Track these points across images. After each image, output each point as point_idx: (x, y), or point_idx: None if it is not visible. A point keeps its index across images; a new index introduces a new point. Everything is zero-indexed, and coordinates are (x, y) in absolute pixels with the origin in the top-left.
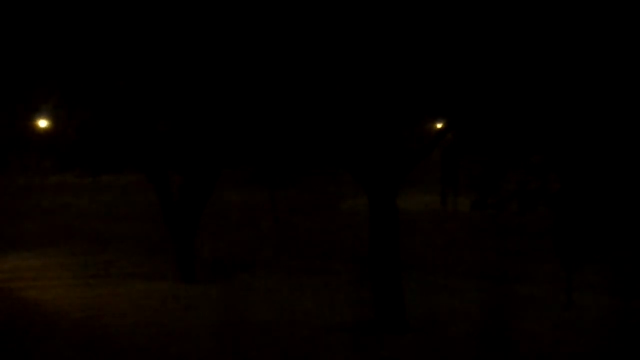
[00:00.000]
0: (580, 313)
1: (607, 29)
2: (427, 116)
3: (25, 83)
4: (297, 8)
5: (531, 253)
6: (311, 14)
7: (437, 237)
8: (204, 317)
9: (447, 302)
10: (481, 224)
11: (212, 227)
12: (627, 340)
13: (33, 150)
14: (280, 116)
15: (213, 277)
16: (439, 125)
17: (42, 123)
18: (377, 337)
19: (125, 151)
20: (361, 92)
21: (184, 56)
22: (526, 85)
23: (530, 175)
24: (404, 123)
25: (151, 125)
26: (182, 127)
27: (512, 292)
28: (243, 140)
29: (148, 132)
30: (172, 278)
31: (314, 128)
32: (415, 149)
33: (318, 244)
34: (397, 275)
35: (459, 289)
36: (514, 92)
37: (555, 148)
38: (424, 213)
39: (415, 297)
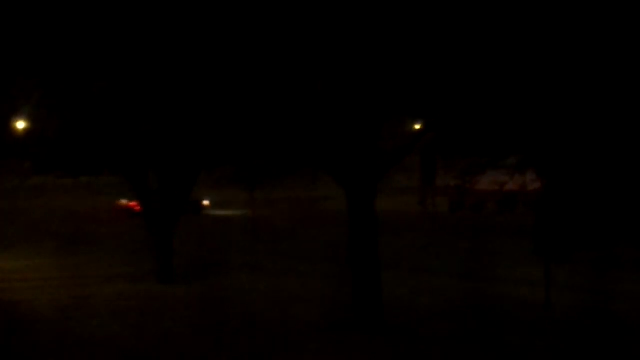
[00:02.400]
0: (558, 312)
1: (585, 32)
2: (405, 117)
3: (4, 84)
4: (277, 11)
5: (511, 253)
6: (292, 17)
7: (416, 238)
8: (181, 317)
9: (425, 301)
10: (460, 224)
11: (191, 229)
12: (603, 339)
13: (12, 152)
14: (260, 117)
15: (191, 278)
16: (418, 127)
17: (21, 124)
18: (355, 336)
19: (105, 152)
20: (340, 93)
21: (164, 58)
22: (505, 87)
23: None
24: (383, 124)
25: (130, 127)
26: (161, 128)
27: (491, 292)
28: (222, 141)
29: (127, 133)
30: (151, 279)
31: (293, 129)
32: (394, 149)
33: (297, 245)
34: (376, 275)
35: (437, 288)
36: (493, 94)
37: (534, 149)
38: (403, 213)
39: (394, 297)
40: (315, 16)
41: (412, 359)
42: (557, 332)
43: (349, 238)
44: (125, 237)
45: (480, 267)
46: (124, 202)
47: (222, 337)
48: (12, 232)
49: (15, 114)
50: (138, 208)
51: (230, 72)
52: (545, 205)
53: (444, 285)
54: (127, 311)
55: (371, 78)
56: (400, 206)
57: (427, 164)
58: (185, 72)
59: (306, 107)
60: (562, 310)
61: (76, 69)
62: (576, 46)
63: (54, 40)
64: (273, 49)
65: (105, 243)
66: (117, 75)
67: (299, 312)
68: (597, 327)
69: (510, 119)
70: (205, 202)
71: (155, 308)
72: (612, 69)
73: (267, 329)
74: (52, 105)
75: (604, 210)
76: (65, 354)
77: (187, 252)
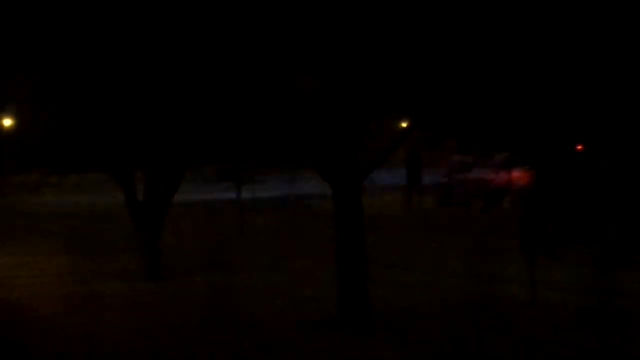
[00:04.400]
0: (544, 311)
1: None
2: (392, 114)
3: None
4: (262, 7)
5: (497, 251)
6: (277, 14)
7: (402, 235)
8: (166, 315)
9: (412, 299)
10: (446, 221)
11: (178, 226)
12: (589, 337)
13: None
14: (246, 113)
15: (178, 276)
16: (404, 124)
17: (7, 122)
18: (342, 335)
19: (91, 150)
20: (327, 90)
21: (150, 56)
22: (493, 83)
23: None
24: (369, 121)
25: (117, 124)
26: (147, 125)
27: (477, 290)
28: (208, 137)
29: (114, 130)
30: (138, 277)
31: (279, 125)
32: (380, 146)
33: (285, 242)
34: (362, 273)
35: (424, 286)
36: (481, 90)
37: (522, 146)
38: (390, 211)
39: (381, 295)
40: (301, 13)
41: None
42: (542, 331)
43: (336, 235)
44: (114, 235)
45: (468, 264)
46: None
47: (205, 336)
48: (1, 230)
49: (1, 111)
50: None
51: (216, 69)
52: (532, 201)
53: (431, 283)
54: (109, 308)
55: (358, 75)
56: (387, 204)
57: (413, 162)
58: (171, 69)
59: (292, 103)
60: (547, 308)
61: (63, 66)
62: (563, 41)
63: (41, 36)
64: (259, 46)
65: (95, 240)
66: (103, 73)
67: (286, 311)
68: (582, 325)
69: (498, 115)
70: None
71: (138, 305)
72: (599, 64)
73: (254, 328)
74: (38, 103)
75: (592, 206)
76: (55, 351)
77: (174, 250)
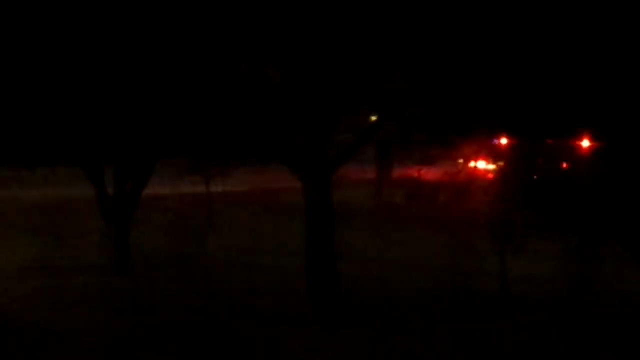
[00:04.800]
0: (515, 303)
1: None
2: (362, 108)
3: None
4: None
5: (467, 244)
6: (246, 6)
7: (372, 229)
8: (136, 309)
9: (382, 292)
10: (415, 215)
11: (148, 219)
12: (559, 330)
13: None
14: (215, 107)
15: (147, 269)
16: (374, 118)
17: None
18: (312, 329)
19: (60, 143)
20: (296, 83)
21: (117, 49)
22: (461, 77)
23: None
24: (339, 115)
25: (85, 117)
26: (115, 118)
27: (446, 284)
28: (177, 130)
29: (82, 124)
30: (108, 271)
31: (248, 118)
32: (350, 140)
33: (255, 237)
34: (333, 267)
35: (395, 280)
36: (449, 83)
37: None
38: (360, 205)
39: (351, 288)
40: (270, 5)
41: (371, 351)
42: (513, 322)
43: (305, 230)
44: (84, 229)
45: (437, 258)
46: None
47: (172, 330)
48: None
49: None
50: None
51: (184, 61)
52: (500, 196)
53: (400, 276)
54: (76, 302)
55: (327, 68)
56: (357, 198)
57: (383, 156)
58: (139, 63)
59: (261, 96)
60: (519, 301)
61: (30, 59)
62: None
63: (8, 29)
64: (228, 38)
65: (64, 234)
66: (72, 67)
67: (255, 305)
68: (552, 317)
69: (465, 109)
70: None
71: (105, 298)
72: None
73: (222, 322)
74: (6, 96)
75: (562, 199)
76: (20, 344)
77: (143, 244)
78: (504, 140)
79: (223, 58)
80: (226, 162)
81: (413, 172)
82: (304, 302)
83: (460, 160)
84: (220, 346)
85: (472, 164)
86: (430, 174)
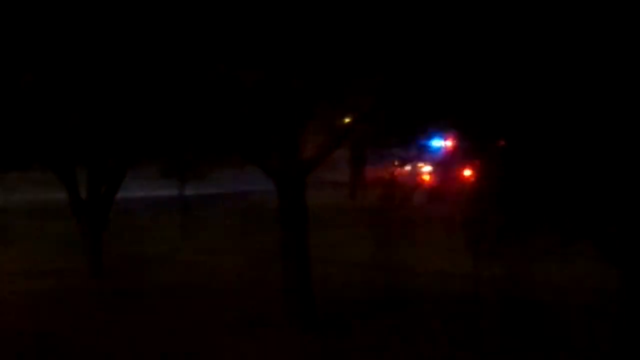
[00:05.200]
0: (484, 306)
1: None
2: (335, 110)
3: None
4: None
5: (441, 246)
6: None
7: (347, 231)
8: (110, 312)
9: (356, 295)
10: (389, 217)
11: (121, 223)
12: (527, 333)
13: None
14: (187, 111)
15: (121, 273)
16: (347, 120)
17: None
18: (285, 331)
19: (33, 147)
20: (267, 86)
21: (91, 51)
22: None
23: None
24: (312, 116)
25: (58, 121)
26: (88, 121)
27: (421, 285)
28: (150, 133)
29: (55, 127)
30: (82, 274)
31: (221, 121)
32: (324, 142)
33: (228, 238)
34: (305, 269)
35: (368, 282)
36: (422, 85)
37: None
38: (334, 207)
39: (325, 291)
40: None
41: (344, 353)
42: (486, 322)
43: (280, 232)
44: (59, 232)
45: (411, 260)
46: None
47: (146, 333)
48: None
49: None
50: None
51: (154, 64)
52: (474, 198)
53: (374, 278)
54: (58, 305)
55: (299, 69)
56: (331, 200)
57: (357, 157)
58: (110, 63)
59: (234, 98)
60: (489, 303)
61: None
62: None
63: None
64: (202, 40)
65: (40, 238)
66: (43, 68)
67: (228, 307)
68: (521, 321)
69: (440, 111)
70: None
71: (81, 302)
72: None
73: (196, 324)
74: None
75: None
76: None
77: (117, 247)
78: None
79: (195, 60)
80: (200, 164)
81: (387, 173)
82: (277, 305)
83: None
84: (189, 349)
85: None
86: (403, 175)
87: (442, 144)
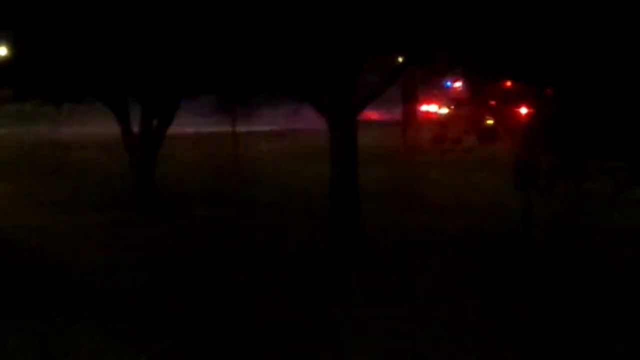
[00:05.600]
0: (536, 247)
1: None
2: (388, 49)
3: None
4: None
5: (492, 188)
6: None
7: (398, 172)
8: (159, 246)
9: (406, 235)
10: (439, 158)
11: (173, 158)
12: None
13: None
14: (240, 43)
15: (174, 208)
16: (400, 59)
17: (1, 51)
18: (334, 270)
19: (85, 79)
20: (321, 22)
21: None
22: (490, 16)
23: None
24: (365, 55)
25: (110, 53)
26: (140, 54)
27: (471, 226)
28: (203, 66)
29: (107, 59)
30: (132, 208)
31: (275, 55)
32: (376, 81)
33: (279, 180)
34: (355, 208)
35: (416, 222)
36: (477, 23)
37: (522, 77)
38: (385, 148)
39: (373, 230)
40: None
41: (387, 291)
42: (533, 266)
43: (330, 171)
44: (109, 166)
45: (461, 201)
46: None
47: (197, 271)
48: None
49: None
50: None
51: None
52: (527, 138)
53: (422, 219)
54: (104, 239)
55: (353, 9)
56: (383, 140)
57: (408, 98)
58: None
59: (288, 34)
60: (539, 245)
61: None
62: None
63: None
64: None
65: (90, 171)
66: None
67: (279, 248)
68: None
69: (496, 47)
70: None
71: (134, 236)
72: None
73: (246, 264)
74: (31, 32)
75: (589, 140)
76: (41, 280)
77: (170, 182)
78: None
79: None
80: (252, 101)
81: (438, 114)
82: (327, 244)
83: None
84: (237, 289)
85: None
86: (455, 117)
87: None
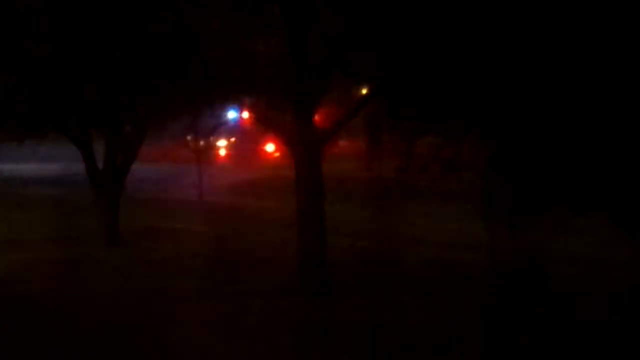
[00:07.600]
0: (497, 275)
1: None
2: (351, 81)
3: None
4: None
5: (458, 217)
6: None
7: (363, 203)
8: (124, 280)
9: (370, 268)
10: (404, 188)
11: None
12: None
13: None
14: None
15: (137, 242)
16: (364, 91)
17: None
18: (300, 300)
19: (50, 115)
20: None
21: (105, 20)
22: (453, 51)
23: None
24: (327, 88)
25: (76, 89)
26: (105, 87)
27: (435, 256)
28: (168, 100)
29: (73, 95)
30: (96, 242)
31: (238, 88)
32: (340, 113)
33: (248, 212)
34: (322, 239)
35: (379, 253)
36: (440, 57)
37: (481, 113)
38: (350, 179)
39: (337, 261)
40: None
41: (351, 319)
42: (495, 293)
43: (297, 203)
44: (74, 200)
45: (427, 232)
46: None
47: (157, 303)
48: None
49: None
50: None
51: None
52: (493, 169)
53: (389, 250)
54: (69, 273)
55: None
56: (347, 172)
57: (373, 129)
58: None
59: (249, 67)
60: (501, 272)
61: (21, 30)
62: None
63: None
64: None
65: (54, 206)
66: (61, 37)
67: (244, 278)
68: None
69: (457, 83)
70: None
71: (99, 269)
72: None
73: (210, 291)
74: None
75: (554, 173)
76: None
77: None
78: None
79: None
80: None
81: (403, 145)
82: (294, 273)
83: None
84: (207, 315)
85: None
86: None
87: None
